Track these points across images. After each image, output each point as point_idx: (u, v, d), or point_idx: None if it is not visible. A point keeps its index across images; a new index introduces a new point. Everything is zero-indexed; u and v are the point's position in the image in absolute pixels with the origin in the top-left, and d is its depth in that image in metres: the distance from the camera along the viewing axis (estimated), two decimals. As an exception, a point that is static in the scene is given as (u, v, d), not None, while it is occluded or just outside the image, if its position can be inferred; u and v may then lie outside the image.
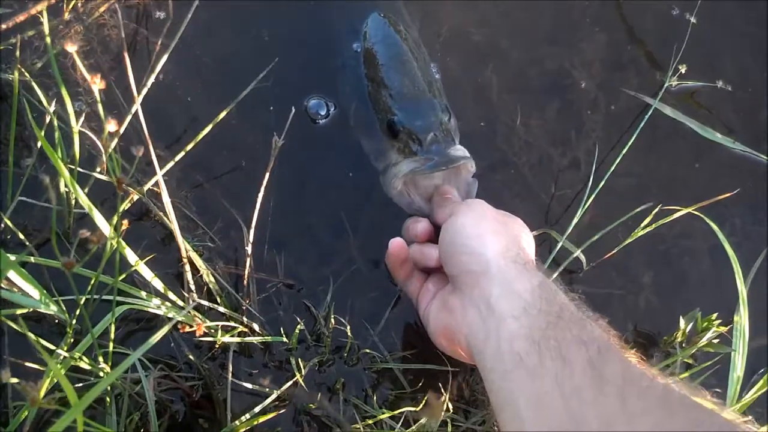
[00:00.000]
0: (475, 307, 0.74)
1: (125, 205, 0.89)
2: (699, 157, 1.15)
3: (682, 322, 0.96)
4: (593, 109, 1.15)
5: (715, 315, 0.96)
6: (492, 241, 0.77)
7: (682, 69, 1.12)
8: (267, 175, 0.80)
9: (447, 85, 1.08)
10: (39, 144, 0.86)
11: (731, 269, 0.95)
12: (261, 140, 0.99)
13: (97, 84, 0.57)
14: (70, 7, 0.96)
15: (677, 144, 1.16)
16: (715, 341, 0.96)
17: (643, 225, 0.97)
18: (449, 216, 0.84)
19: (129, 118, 0.81)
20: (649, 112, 1.11)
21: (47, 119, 0.83)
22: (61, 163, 0.70)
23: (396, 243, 0.88)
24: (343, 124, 1.04)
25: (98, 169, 0.88)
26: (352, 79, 1.02)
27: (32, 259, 0.77)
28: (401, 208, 0.94)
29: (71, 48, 0.61)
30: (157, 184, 0.87)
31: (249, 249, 0.86)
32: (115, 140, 0.80)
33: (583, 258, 0.99)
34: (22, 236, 0.79)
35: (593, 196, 1.01)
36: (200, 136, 0.85)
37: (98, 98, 0.68)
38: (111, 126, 0.60)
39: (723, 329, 0.95)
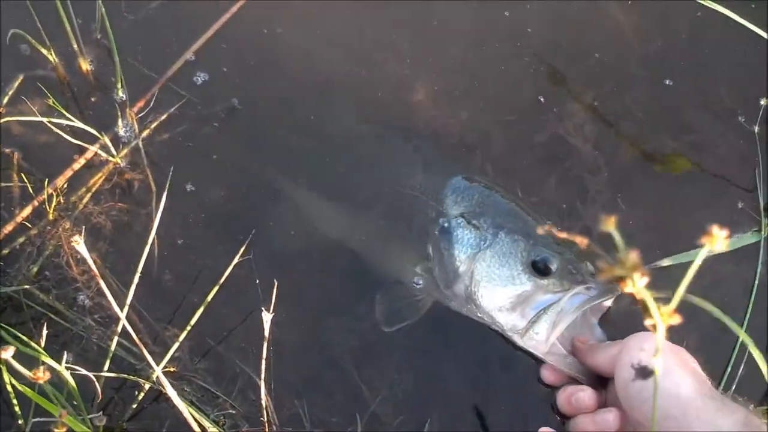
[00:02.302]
0: None
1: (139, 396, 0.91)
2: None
3: None
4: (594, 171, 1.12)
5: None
6: (685, 380, 0.75)
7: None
8: (264, 351, 0.80)
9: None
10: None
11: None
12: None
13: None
14: (53, 207, 0.98)
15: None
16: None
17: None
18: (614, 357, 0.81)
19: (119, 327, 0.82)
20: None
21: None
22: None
23: None
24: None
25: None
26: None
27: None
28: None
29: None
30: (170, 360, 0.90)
31: (266, 415, 0.86)
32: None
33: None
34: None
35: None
36: (192, 322, 0.85)
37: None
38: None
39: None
